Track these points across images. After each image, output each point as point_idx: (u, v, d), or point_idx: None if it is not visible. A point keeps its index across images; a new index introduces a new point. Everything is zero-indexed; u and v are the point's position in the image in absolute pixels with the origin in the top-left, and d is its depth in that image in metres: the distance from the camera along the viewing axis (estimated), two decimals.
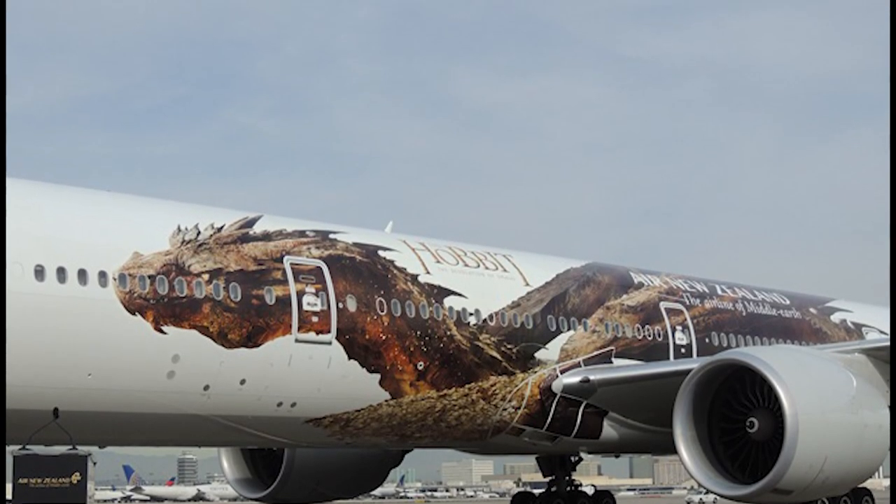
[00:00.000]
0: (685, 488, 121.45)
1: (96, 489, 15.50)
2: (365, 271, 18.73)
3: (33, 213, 15.65)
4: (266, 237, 17.89)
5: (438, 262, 20.20)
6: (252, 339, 16.89)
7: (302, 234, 18.48)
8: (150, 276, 16.07)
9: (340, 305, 17.99)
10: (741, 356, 18.50)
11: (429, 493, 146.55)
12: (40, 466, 14.35)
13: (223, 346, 16.57)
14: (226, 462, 23.72)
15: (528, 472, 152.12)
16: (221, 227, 17.47)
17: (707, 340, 23.67)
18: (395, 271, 19.22)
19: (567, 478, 25.39)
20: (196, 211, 17.77)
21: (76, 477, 14.40)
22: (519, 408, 20.39)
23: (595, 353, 21.57)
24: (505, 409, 20.22)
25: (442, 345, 19.20)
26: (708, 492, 20.49)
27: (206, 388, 16.62)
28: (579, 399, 21.02)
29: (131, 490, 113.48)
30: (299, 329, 17.38)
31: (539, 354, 20.65)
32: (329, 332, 17.74)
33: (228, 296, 16.74)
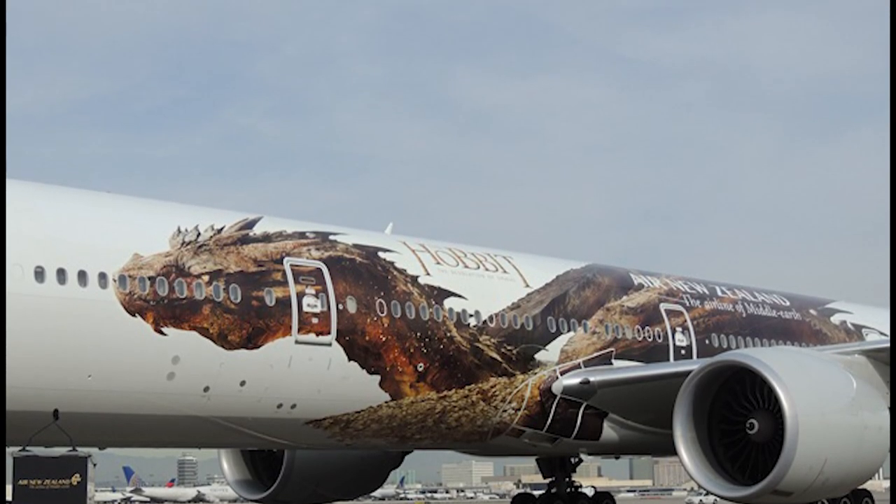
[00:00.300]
0: (685, 490, 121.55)
1: (96, 490, 15.49)
2: (365, 273, 18.73)
3: (33, 215, 15.65)
4: (266, 238, 17.89)
5: (438, 263, 20.19)
6: (252, 341, 16.89)
7: (302, 235, 18.48)
8: (150, 278, 16.07)
9: (340, 307, 17.98)
10: (741, 357, 18.49)
11: (429, 495, 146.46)
12: (40, 468, 14.34)
13: (223, 347, 16.57)
14: (226, 463, 23.71)
15: (528, 473, 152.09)
16: (221, 229, 17.47)
17: (707, 342, 23.65)
18: (395, 273, 19.21)
19: (567, 479, 25.39)
20: (196, 212, 17.76)
21: (76, 478, 14.40)
22: (519, 409, 20.38)
23: (595, 354, 21.55)
24: (505, 411, 20.21)
25: (442, 346, 19.19)
26: (708, 493, 20.51)
27: (206, 389, 16.62)
28: (579, 400, 21.01)
29: (131, 491, 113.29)
30: (299, 330, 17.37)
31: (539, 356, 20.64)
32: (329, 333, 17.73)
33: (228, 297, 16.73)
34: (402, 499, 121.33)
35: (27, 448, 14.65)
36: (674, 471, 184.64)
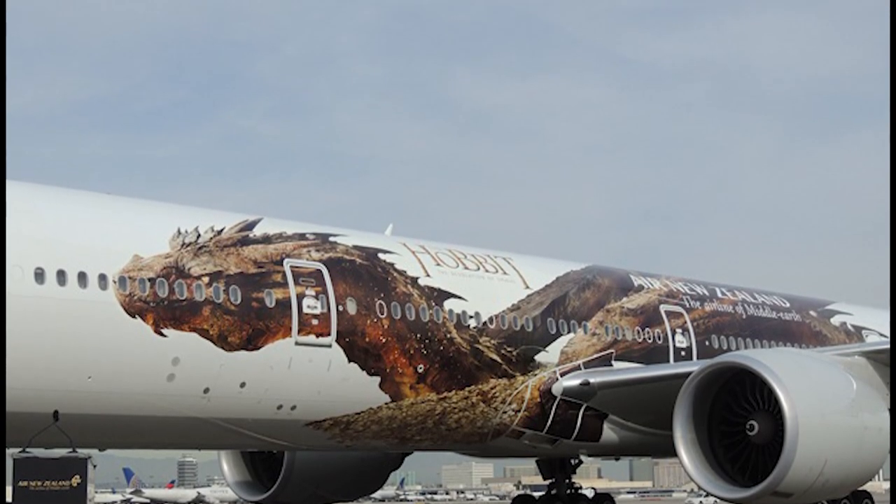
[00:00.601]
0: (685, 491, 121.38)
1: (96, 492, 15.50)
2: (365, 274, 18.73)
3: (33, 216, 15.65)
4: (266, 240, 17.89)
5: (438, 264, 20.19)
6: (252, 342, 16.89)
7: (302, 236, 18.48)
8: (150, 279, 16.07)
9: (340, 308, 17.98)
10: (741, 359, 18.49)
11: (429, 496, 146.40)
12: (40, 469, 14.33)
13: (223, 348, 16.57)
14: (226, 465, 23.70)
15: (528, 474, 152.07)
16: (221, 230, 17.47)
17: (707, 343, 23.65)
18: (395, 274, 19.21)
19: (567, 480, 25.37)
20: (196, 213, 17.76)
21: (76, 480, 14.39)
22: (519, 410, 20.38)
23: (595, 355, 21.55)
24: (505, 412, 20.20)
25: (442, 347, 19.19)
26: (708, 494, 20.48)
27: (207, 390, 16.62)
28: (579, 402, 21.00)
29: (131, 493, 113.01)
30: (299, 332, 17.37)
31: (539, 357, 20.63)
32: (329, 334, 17.73)
33: (228, 298, 16.74)
34: (402, 500, 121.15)
35: (27, 449, 14.63)
36: (674, 472, 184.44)
